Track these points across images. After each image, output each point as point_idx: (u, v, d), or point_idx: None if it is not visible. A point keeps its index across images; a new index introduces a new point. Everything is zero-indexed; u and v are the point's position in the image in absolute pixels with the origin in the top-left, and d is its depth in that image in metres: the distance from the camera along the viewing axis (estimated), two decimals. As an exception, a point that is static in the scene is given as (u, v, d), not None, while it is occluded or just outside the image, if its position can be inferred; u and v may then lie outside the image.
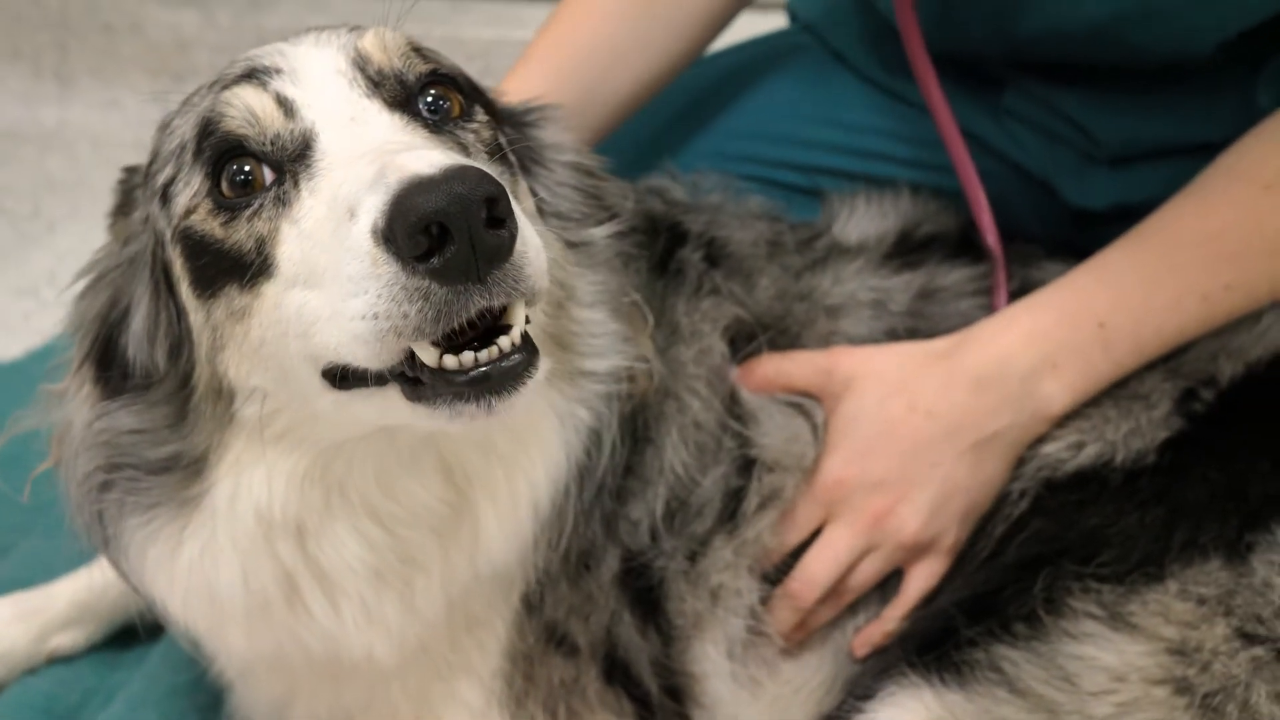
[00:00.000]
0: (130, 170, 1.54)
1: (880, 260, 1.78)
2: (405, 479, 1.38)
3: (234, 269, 1.26)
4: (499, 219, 1.08)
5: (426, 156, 1.09)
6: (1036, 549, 1.56)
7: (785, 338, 1.70)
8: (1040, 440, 1.64)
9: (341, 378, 1.22)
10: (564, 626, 1.58)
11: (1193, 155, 1.85)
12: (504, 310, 1.15)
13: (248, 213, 1.25)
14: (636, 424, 1.58)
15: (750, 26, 2.24)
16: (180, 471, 1.37)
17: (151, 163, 1.40)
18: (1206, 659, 1.42)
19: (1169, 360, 1.65)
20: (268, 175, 1.26)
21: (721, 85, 2.16)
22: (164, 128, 1.40)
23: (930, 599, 1.63)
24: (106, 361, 1.41)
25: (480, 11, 3.92)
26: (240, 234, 1.25)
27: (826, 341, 1.71)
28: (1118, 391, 1.64)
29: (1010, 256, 1.79)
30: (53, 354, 2.79)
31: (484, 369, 1.13)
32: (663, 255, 1.70)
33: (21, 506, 2.29)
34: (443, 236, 1.06)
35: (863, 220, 1.85)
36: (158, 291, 1.36)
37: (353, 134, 1.23)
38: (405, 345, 1.11)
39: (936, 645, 1.53)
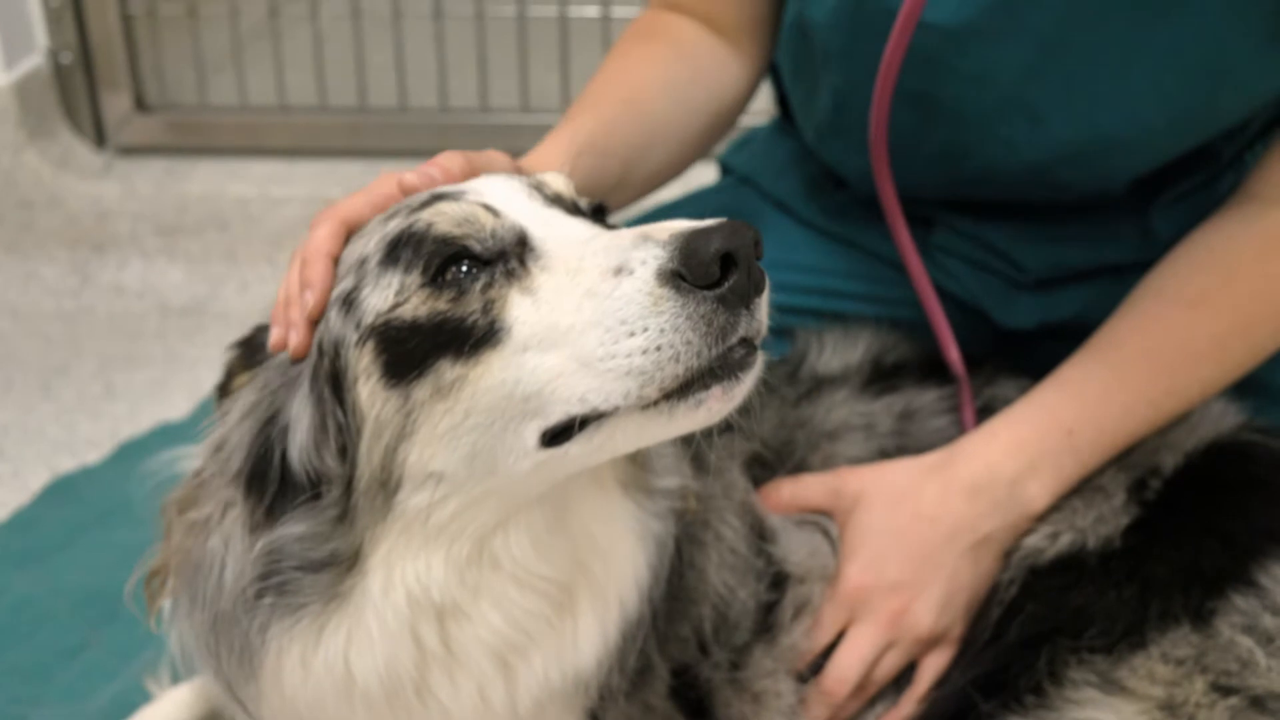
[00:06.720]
0: (248, 342, 1.63)
1: (861, 387, 1.99)
2: (549, 539, 1.50)
3: (452, 341, 1.37)
4: (758, 258, 1.29)
5: (680, 222, 1.30)
6: (1035, 628, 1.75)
7: (792, 461, 1.90)
8: (1022, 534, 1.85)
9: (558, 433, 1.35)
10: None
11: (1103, 276, 2.12)
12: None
13: (478, 285, 1.38)
14: (679, 551, 1.73)
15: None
16: (335, 567, 1.45)
17: None
18: (1191, 711, 1.62)
19: (1120, 457, 1.88)
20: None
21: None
22: None
23: (941, 683, 1.82)
24: (260, 480, 1.47)
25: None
26: (473, 303, 1.37)
27: (829, 463, 1.90)
28: (1081, 486, 1.86)
29: (973, 376, 2.01)
30: (16, 529, 2.76)
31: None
32: None
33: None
34: (725, 269, 1.25)
35: (834, 354, 2.06)
36: (321, 400, 1.44)
37: (558, 227, 1.42)
38: (678, 372, 1.27)
39: (957, 722, 1.72)
